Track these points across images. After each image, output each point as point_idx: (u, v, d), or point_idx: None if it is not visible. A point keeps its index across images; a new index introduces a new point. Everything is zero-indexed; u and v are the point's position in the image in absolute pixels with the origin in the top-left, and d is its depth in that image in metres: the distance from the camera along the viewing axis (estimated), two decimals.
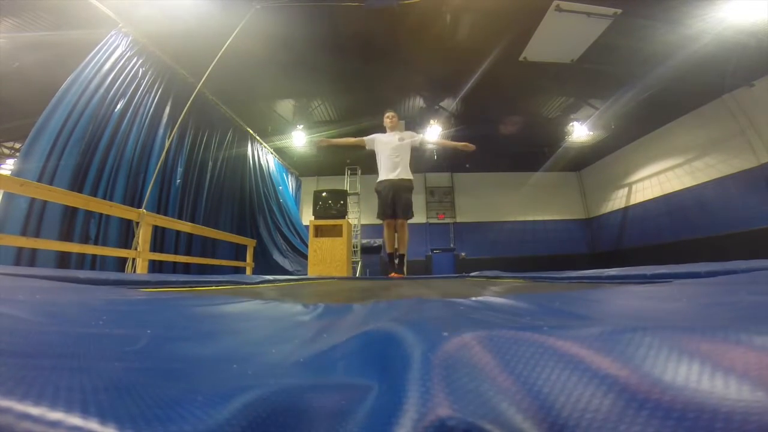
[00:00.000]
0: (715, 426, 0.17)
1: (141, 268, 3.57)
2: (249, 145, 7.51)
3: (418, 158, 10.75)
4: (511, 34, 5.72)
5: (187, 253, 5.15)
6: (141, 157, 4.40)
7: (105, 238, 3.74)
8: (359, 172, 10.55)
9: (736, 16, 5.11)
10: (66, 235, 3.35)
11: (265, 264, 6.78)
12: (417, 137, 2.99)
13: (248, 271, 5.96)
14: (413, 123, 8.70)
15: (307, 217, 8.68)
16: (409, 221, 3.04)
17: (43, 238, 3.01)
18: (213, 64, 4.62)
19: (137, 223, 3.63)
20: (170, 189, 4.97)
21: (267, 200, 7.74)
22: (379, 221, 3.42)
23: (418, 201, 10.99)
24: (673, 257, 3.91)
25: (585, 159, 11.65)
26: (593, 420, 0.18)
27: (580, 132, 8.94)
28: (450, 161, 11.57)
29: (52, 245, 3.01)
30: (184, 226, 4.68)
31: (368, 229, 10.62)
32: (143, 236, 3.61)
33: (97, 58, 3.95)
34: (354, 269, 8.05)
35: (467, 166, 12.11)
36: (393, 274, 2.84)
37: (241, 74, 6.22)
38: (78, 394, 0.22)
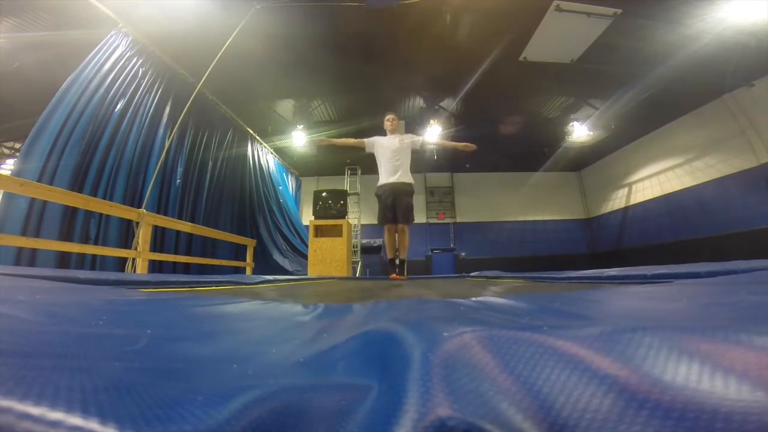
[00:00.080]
0: (714, 426, 0.17)
1: (141, 268, 3.57)
2: (249, 145, 7.51)
3: (418, 158, 10.75)
4: (511, 34, 5.72)
5: (187, 253, 5.15)
6: (141, 157, 4.40)
7: (105, 238, 3.74)
8: (359, 172, 10.55)
9: (736, 16, 5.11)
10: (66, 235, 3.35)
11: (265, 264, 6.78)
12: (417, 139, 2.96)
13: (248, 271, 5.97)
14: (413, 123, 8.70)
15: (307, 217, 8.68)
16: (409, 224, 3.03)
17: (43, 238, 3.01)
18: (213, 64, 4.62)
19: (137, 223, 3.63)
20: (170, 189, 4.97)
21: (267, 200, 7.74)
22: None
23: (418, 201, 10.98)
24: (673, 257, 3.91)
25: (585, 159, 11.65)
26: (593, 420, 0.18)
27: (580, 132, 8.94)
28: (450, 161, 11.57)
29: (52, 245, 3.01)
30: (184, 226, 4.68)
31: (368, 229, 10.62)
32: (143, 236, 3.61)
33: (97, 58, 3.95)
34: (354, 269, 8.05)
35: (467, 166, 12.11)
36: (394, 276, 2.83)
37: (241, 74, 6.22)
38: (78, 394, 0.22)
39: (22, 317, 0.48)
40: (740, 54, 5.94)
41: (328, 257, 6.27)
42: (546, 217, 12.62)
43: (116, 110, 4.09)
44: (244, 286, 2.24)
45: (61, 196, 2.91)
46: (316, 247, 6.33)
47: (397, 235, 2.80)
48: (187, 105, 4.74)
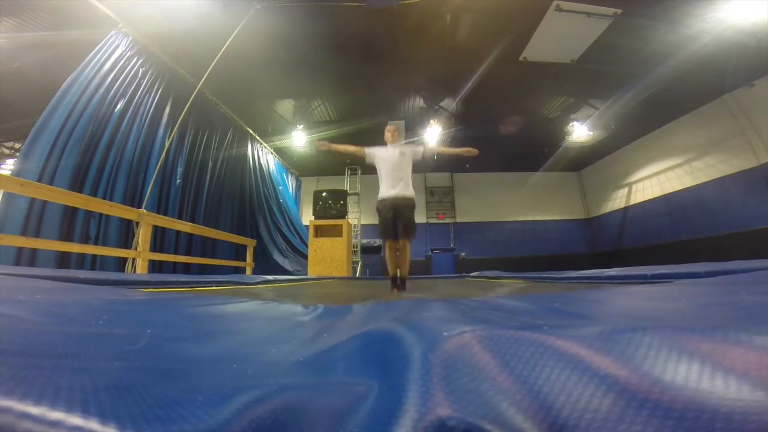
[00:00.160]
0: (715, 426, 0.17)
1: (141, 268, 3.57)
2: (249, 145, 7.51)
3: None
4: (511, 34, 5.71)
5: (187, 253, 5.15)
6: (141, 157, 4.40)
7: (105, 238, 3.74)
8: (359, 172, 10.54)
9: (736, 16, 5.10)
10: (66, 235, 3.34)
11: (265, 264, 6.78)
12: (418, 150, 2.90)
13: (248, 271, 5.96)
14: (413, 123, 8.69)
15: (307, 217, 8.68)
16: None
17: (43, 238, 3.01)
18: (213, 64, 4.62)
19: (137, 223, 3.63)
20: (170, 189, 4.97)
21: (267, 200, 7.73)
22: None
23: (419, 201, 10.97)
24: (672, 257, 3.91)
25: (585, 159, 11.64)
26: (593, 420, 0.18)
27: (580, 132, 8.93)
28: (450, 161, 11.57)
29: (52, 245, 3.01)
30: (184, 226, 4.68)
31: (368, 229, 10.61)
32: (143, 236, 3.61)
33: (97, 58, 3.95)
34: (354, 269, 8.05)
35: (467, 166, 12.10)
36: (396, 291, 2.81)
37: (241, 74, 6.21)
38: (79, 393, 0.22)
39: (23, 317, 0.48)
40: (740, 54, 5.94)
41: (328, 257, 6.27)
42: (546, 217, 12.61)
43: (116, 110, 4.09)
44: (243, 287, 2.24)
45: (61, 196, 2.91)
46: (316, 247, 6.33)
47: (398, 251, 2.74)
48: (187, 105, 4.74)
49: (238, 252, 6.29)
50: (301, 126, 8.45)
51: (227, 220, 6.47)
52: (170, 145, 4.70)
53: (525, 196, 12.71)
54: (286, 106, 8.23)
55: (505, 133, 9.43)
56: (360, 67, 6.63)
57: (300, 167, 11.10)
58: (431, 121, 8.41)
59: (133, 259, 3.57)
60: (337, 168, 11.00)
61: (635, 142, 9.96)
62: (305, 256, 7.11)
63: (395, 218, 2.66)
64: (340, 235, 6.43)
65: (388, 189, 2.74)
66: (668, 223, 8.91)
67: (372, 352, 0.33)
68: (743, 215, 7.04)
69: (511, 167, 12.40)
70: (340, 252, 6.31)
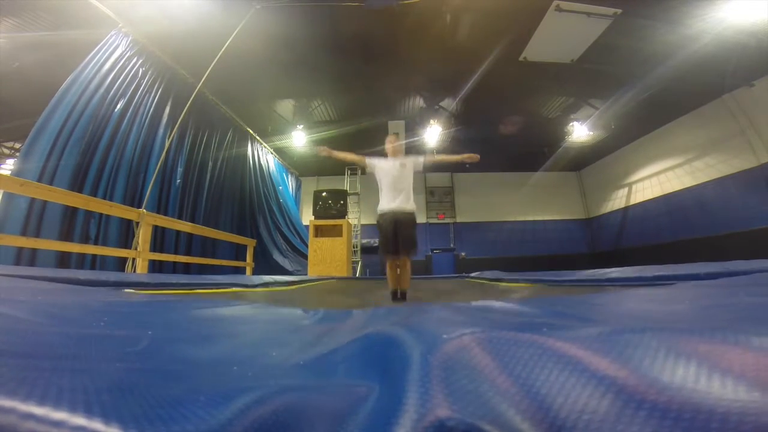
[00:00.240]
0: (711, 426, 0.17)
1: (141, 268, 3.57)
2: (249, 145, 7.51)
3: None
4: (511, 34, 5.71)
5: (187, 253, 5.15)
6: (141, 157, 4.40)
7: (105, 238, 3.74)
8: (359, 172, 10.55)
9: (736, 16, 5.10)
10: (66, 235, 3.34)
11: (265, 264, 6.78)
12: (419, 161, 2.84)
13: (248, 271, 5.96)
14: (413, 123, 8.70)
15: (307, 217, 8.68)
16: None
17: (43, 238, 3.01)
18: (213, 64, 4.62)
19: (137, 223, 3.63)
20: (170, 189, 4.97)
21: (267, 200, 7.74)
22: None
23: (419, 201, 10.98)
24: (672, 257, 3.91)
25: (585, 159, 11.64)
26: (591, 420, 0.18)
27: (580, 132, 8.93)
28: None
29: (52, 245, 3.01)
30: (184, 226, 4.68)
31: (368, 229, 10.62)
32: (143, 236, 3.61)
33: (97, 58, 3.95)
34: (354, 269, 8.05)
35: (467, 166, 12.10)
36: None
37: (241, 74, 6.21)
38: (81, 394, 0.22)
39: (24, 318, 0.48)
40: (740, 54, 5.93)
41: (328, 257, 6.27)
42: (546, 217, 12.61)
43: (116, 110, 4.09)
44: (243, 289, 2.24)
45: (61, 196, 2.91)
46: (316, 247, 6.33)
47: (398, 267, 2.69)
48: (187, 105, 4.74)
49: (238, 252, 6.29)
50: (301, 126, 8.45)
51: (227, 220, 6.47)
52: (170, 145, 4.70)
53: (525, 196, 12.71)
54: (286, 106, 8.23)
55: (505, 133, 9.43)
56: (360, 67, 6.63)
57: (300, 167, 11.10)
58: (431, 121, 8.41)
59: (133, 259, 3.57)
60: (337, 168, 11.00)
61: (635, 142, 9.96)
62: (305, 256, 7.11)
63: (395, 235, 2.60)
64: (340, 235, 6.44)
65: (388, 202, 2.67)
66: (668, 223, 8.92)
67: (372, 355, 0.33)
68: (743, 215, 7.04)
69: (511, 167, 12.40)
70: (340, 252, 6.31)
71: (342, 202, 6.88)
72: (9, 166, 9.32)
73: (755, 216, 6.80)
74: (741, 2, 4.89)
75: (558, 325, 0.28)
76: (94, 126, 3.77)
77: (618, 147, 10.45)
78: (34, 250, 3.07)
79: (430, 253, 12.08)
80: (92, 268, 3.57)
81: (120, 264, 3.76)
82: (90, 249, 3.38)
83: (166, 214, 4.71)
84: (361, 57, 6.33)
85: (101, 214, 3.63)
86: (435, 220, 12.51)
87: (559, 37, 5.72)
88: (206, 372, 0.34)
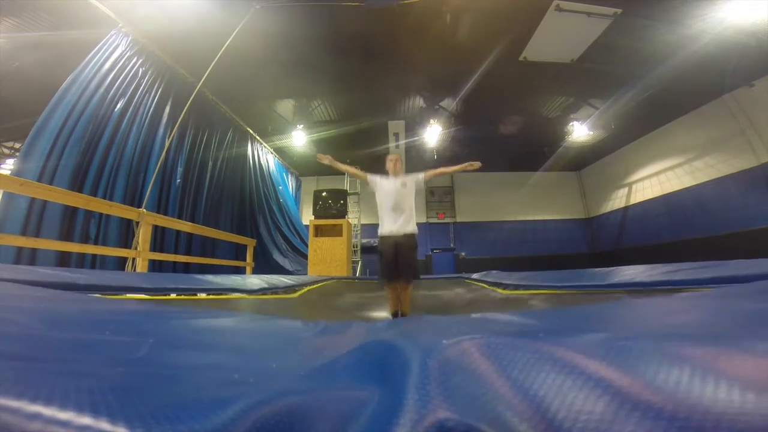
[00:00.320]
0: (705, 426, 0.17)
1: (141, 268, 3.57)
2: (249, 145, 7.51)
3: (418, 159, 10.76)
4: (511, 34, 5.71)
5: (187, 252, 5.15)
6: (141, 156, 4.40)
7: (105, 237, 3.75)
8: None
9: (736, 16, 5.10)
10: (66, 235, 3.35)
11: (265, 264, 6.78)
12: (419, 177, 2.77)
13: (248, 270, 5.97)
14: (413, 123, 8.70)
15: (307, 217, 8.68)
16: None
17: (43, 237, 3.02)
18: (213, 64, 4.62)
19: (137, 222, 3.63)
20: (170, 189, 4.97)
21: (267, 200, 7.74)
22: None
23: (419, 201, 10.98)
24: (672, 257, 3.91)
25: (585, 159, 11.64)
26: (588, 422, 0.18)
27: (580, 132, 8.93)
28: (450, 161, 11.55)
29: (52, 245, 3.01)
30: (184, 226, 4.69)
31: (368, 229, 10.62)
32: (143, 236, 3.61)
33: (97, 58, 3.95)
34: (354, 269, 8.06)
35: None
36: None
37: (241, 74, 6.21)
38: (87, 395, 0.22)
39: (26, 324, 0.48)
40: (740, 54, 5.93)
41: (328, 257, 6.27)
42: (546, 216, 12.62)
43: (116, 110, 4.09)
44: (243, 296, 2.24)
45: (61, 196, 2.91)
46: (316, 246, 6.34)
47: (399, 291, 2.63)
48: (187, 105, 4.74)
49: (238, 252, 6.29)
50: (301, 126, 8.45)
51: (227, 220, 6.48)
52: (170, 144, 4.71)
53: (525, 195, 12.72)
54: (286, 106, 8.23)
55: (505, 133, 9.43)
56: (360, 67, 6.63)
57: (300, 167, 11.10)
58: (431, 121, 8.41)
59: (133, 259, 3.57)
60: (333, 167, 10.99)
61: (635, 142, 9.95)
62: (305, 256, 7.12)
63: (396, 260, 2.51)
64: (340, 234, 6.44)
65: (390, 224, 2.58)
66: (668, 222, 8.92)
67: (373, 362, 0.33)
68: (743, 215, 7.04)
69: (511, 167, 12.39)
70: (340, 252, 6.31)
71: (342, 201, 6.88)
72: (9, 165, 9.32)
73: (755, 216, 6.80)
74: (741, 2, 4.89)
75: (555, 332, 0.29)
76: (94, 126, 3.78)
77: (618, 147, 10.45)
78: (34, 250, 3.08)
79: (430, 252, 12.09)
80: (92, 267, 3.58)
81: (120, 264, 3.76)
82: (90, 249, 3.38)
83: (166, 213, 4.72)
84: (361, 57, 6.33)
85: (101, 214, 3.63)
86: (435, 220, 12.52)
87: (559, 37, 5.71)
88: (208, 377, 0.34)
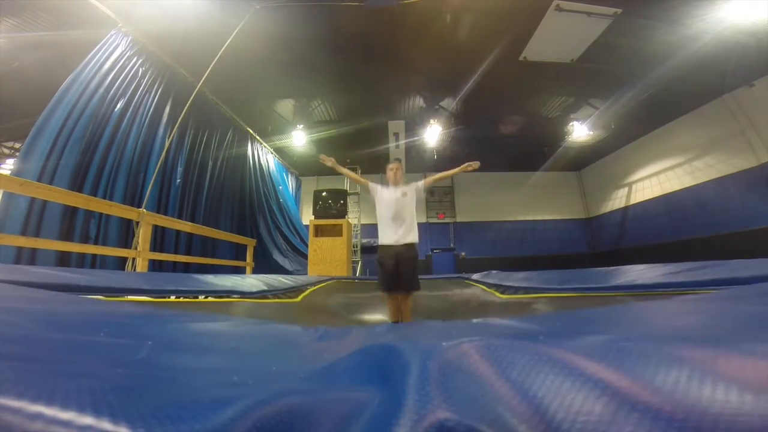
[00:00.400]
0: (703, 427, 0.17)
1: (141, 268, 3.57)
2: (249, 145, 7.51)
3: (419, 158, 10.76)
4: (511, 34, 5.71)
5: (187, 252, 5.15)
6: (141, 156, 4.40)
7: (105, 237, 3.75)
8: (359, 171, 10.53)
9: (736, 16, 5.10)
10: (66, 235, 3.35)
11: (265, 264, 6.78)
12: (419, 185, 2.75)
13: (248, 270, 5.97)
14: (413, 123, 8.70)
15: (307, 217, 8.68)
16: None
17: (43, 237, 3.02)
18: (213, 64, 4.62)
19: (137, 222, 3.63)
20: (170, 189, 4.97)
21: (267, 200, 7.74)
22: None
23: (419, 201, 10.97)
24: (672, 257, 3.91)
25: (585, 159, 11.65)
26: (586, 422, 0.18)
27: (580, 132, 8.94)
28: (450, 160, 11.56)
29: (52, 245, 3.01)
30: (184, 226, 4.69)
31: (368, 229, 10.62)
32: (143, 236, 3.61)
33: (96, 57, 3.95)
34: (354, 269, 8.06)
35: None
36: None
37: (241, 74, 6.21)
38: (88, 395, 0.22)
39: (24, 325, 0.48)
40: (740, 54, 5.94)
41: (328, 257, 6.27)
42: (546, 216, 12.62)
43: (116, 110, 4.09)
44: (242, 299, 2.24)
45: (61, 196, 2.91)
46: (316, 246, 6.33)
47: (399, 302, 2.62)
48: (187, 105, 4.74)
49: (238, 251, 6.29)
50: (301, 126, 8.45)
51: (227, 220, 6.48)
52: (170, 144, 4.71)
53: (525, 195, 12.72)
54: (286, 106, 8.23)
55: (505, 133, 9.43)
56: (360, 67, 6.63)
57: (300, 167, 11.10)
58: (431, 121, 8.41)
59: (133, 259, 3.57)
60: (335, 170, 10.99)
61: (635, 141, 9.96)
62: (305, 256, 7.12)
63: (396, 271, 2.49)
64: (340, 234, 6.44)
65: (390, 234, 2.55)
66: (668, 222, 8.93)
67: (373, 364, 0.33)
68: (743, 215, 7.05)
69: (511, 167, 12.40)
70: (340, 252, 6.31)
71: (342, 201, 6.88)
72: (9, 165, 9.32)
73: (755, 216, 6.81)
74: (741, 2, 4.89)
75: (555, 335, 0.29)
76: (94, 126, 3.78)
77: (618, 147, 10.46)
78: (33, 250, 3.08)
79: (430, 252, 12.09)
80: (92, 267, 3.58)
81: (120, 264, 3.76)
82: (90, 249, 3.38)
83: (166, 213, 4.72)
84: (361, 57, 6.33)
85: (101, 214, 3.63)
86: (435, 220, 12.52)
87: (559, 37, 5.72)
88: (208, 380, 0.34)
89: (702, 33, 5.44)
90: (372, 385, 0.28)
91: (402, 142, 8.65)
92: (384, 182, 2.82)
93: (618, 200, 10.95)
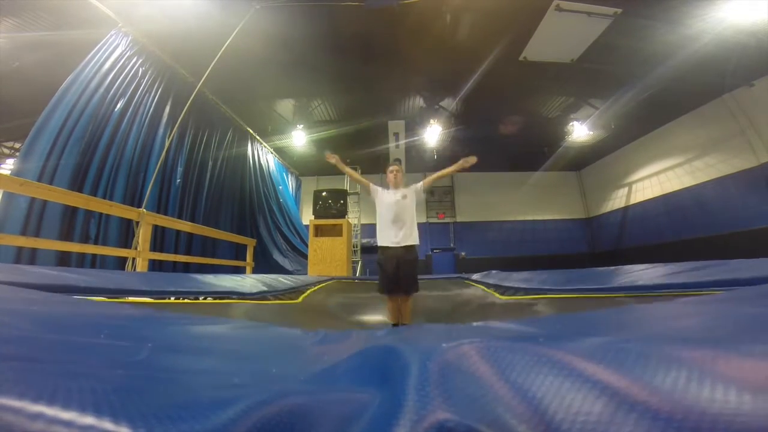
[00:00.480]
0: (702, 427, 0.17)
1: (141, 268, 3.58)
2: (249, 145, 7.51)
3: (419, 158, 10.76)
4: (511, 34, 5.71)
5: (187, 252, 5.15)
6: (141, 156, 4.40)
7: (105, 237, 3.75)
8: (359, 171, 10.53)
9: (736, 16, 5.10)
10: (66, 235, 3.35)
11: (265, 264, 6.78)
12: (418, 187, 2.75)
13: (248, 270, 5.97)
14: (413, 123, 8.70)
15: (307, 217, 8.68)
16: None
17: (43, 237, 3.02)
18: (213, 64, 4.62)
19: (137, 222, 3.63)
20: (170, 188, 4.97)
21: (267, 200, 7.74)
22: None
23: (419, 202, 10.97)
24: (672, 257, 3.91)
25: (585, 159, 11.65)
26: (585, 423, 0.18)
27: (580, 132, 8.94)
28: (450, 160, 11.56)
29: (52, 245, 3.01)
30: (184, 226, 4.69)
31: (368, 229, 10.62)
32: (143, 236, 3.61)
33: (96, 57, 3.95)
34: (354, 269, 8.06)
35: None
36: None
37: (241, 74, 6.21)
38: (89, 395, 0.22)
39: (24, 327, 0.48)
40: (740, 54, 5.94)
41: (328, 257, 6.27)
42: (546, 216, 12.62)
43: (116, 110, 4.09)
44: (241, 300, 2.24)
45: (61, 196, 2.91)
46: (316, 246, 6.33)
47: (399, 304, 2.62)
48: (187, 105, 4.74)
49: (238, 251, 6.29)
50: (301, 126, 8.45)
51: (227, 220, 6.47)
52: (170, 144, 4.71)
53: (525, 195, 12.72)
54: (286, 106, 8.23)
55: (505, 133, 9.43)
56: (360, 67, 6.63)
57: (300, 167, 11.10)
58: (431, 121, 8.41)
59: (133, 259, 3.57)
60: (337, 168, 11.00)
61: (635, 141, 9.96)
62: (305, 256, 7.12)
63: (397, 273, 2.49)
64: (340, 234, 6.44)
65: (391, 237, 2.54)
66: (668, 222, 8.93)
67: (373, 365, 0.33)
68: (743, 215, 7.05)
69: (511, 167, 12.40)
70: (340, 252, 6.31)
71: (342, 201, 6.88)
72: (9, 165, 9.32)
73: (755, 215, 6.81)
74: (741, 2, 4.89)
75: (555, 337, 0.29)
76: (94, 125, 3.78)
77: (618, 147, 10.46)
78: (33, 250, 3.08)
79: (430, 252, 12.09)
80: (92, 267, 3.58)
81: (120, 264, 3.76)
82: (90, 249, 3.38)
83: (166, 213, 4.72)
84: (361, 57, 6.33)
85: (101, 214, 3.63)
86: (435, 220, 12.52)
87: (559, 37, 5.72)
88: (208, 381, 0.34)
89: (702, 33, 5.44)
90: (372, 386, 0.28)
91: (402, 142, 8.65)
92: (384, 183, 2.83)
93: (618, 200, 10.96)
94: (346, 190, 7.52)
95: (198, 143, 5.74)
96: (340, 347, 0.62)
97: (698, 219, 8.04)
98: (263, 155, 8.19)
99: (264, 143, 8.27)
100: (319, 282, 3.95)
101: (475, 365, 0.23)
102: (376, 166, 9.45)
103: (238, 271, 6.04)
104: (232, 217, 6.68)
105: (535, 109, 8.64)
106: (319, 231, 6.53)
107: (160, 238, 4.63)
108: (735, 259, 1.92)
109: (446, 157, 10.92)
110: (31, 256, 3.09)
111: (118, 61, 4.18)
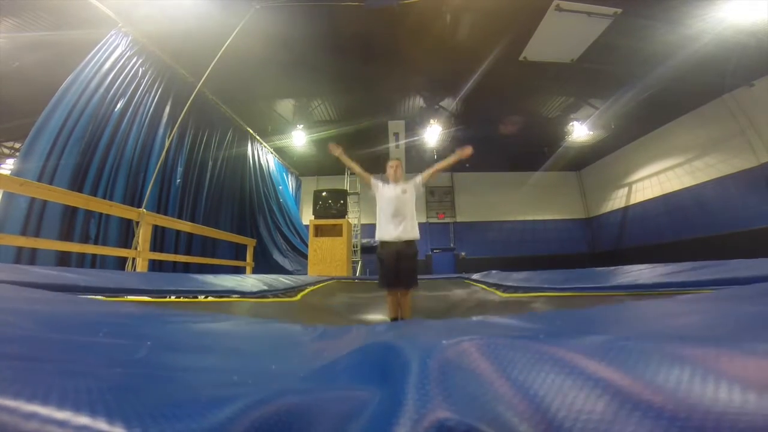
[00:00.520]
0: (706, 426, 0.17)
1: (141, 268, 3.57)
2: (249, 145, 7.51)
3: (419, 158, 10.76)
4: (511, 34, 5.71)
5: (187, 252, 5.15)
6: (141, 156, 4.40)
7: (105, 237, 3.74)
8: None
9: (736, 16, 5.10)
10: (66, 235, 3.35)
11: (265, 264, 6.78)
12: (417, 181, 2.75)
13: (248, 270, 5.96)
14: (413, 123, 8.70)
15: (307, 217, 8.68)
16: None
17: (43, 237, 3.02)
18: (213, 64, 4.62)
19: (137, 222, 3.63)
20: (170, 188, 4.97)
21: (267, 200, 7.74)
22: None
23: (419, 202, 10.98)
24: (672, 257, 3.91)
25: (585, 159, 11.65)
26: (588, 421, 0.18)
27: (580, 132, 8.94)
28: None
29: (52, 245, 3.01)
30: (184, 226, 4.68)
31: (368, 229, 10.62)
32: (143, 236, 3.61)
33: (96, 57, 3.95)
34: (354, 269, 8.06)
35: (467, 165, 12.11)
36: None
37: (241, 74, 6.21)
38: (85, 394, 0.22)
39: (23, 326, 0.48)
40: (740, 54, 5.94)
41: (328, 257, 6.27)
42: (546, 216, 12.62)
43: (116, 110, 4.09)
44: (241, 299, 2.24)
45: (61, 196, 2.91)
46: (316, 246, 6.33)
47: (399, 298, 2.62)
48: (187, 105, 4.74)
49: (238, 251, 6.29)
50: (301, 126, 8.45)
51: (227, 220, 6.47)
52: (170, 144, 4.70)
53: (525, 195, 12.72)
54: (286, 106, 8.23)
55: (505, 133, 9.43)
56: (360, 67, 6.63)
57: (300, 167, 11.10)
58: (431, 121, 8.41)
59: (133, 259, 3.57)
60: (337, 168, 11.00)
61: (635, 141, 9.96)
62: (305, 256, 7.12)
63: (397, 268, 2.49)
64: (340, 234, 6.44)
65: (391, 231, 2.54)
66: (668, 222, 8.92)
67: (373, 363, 0.33)
68: (743, 215, 7.05)
69: (511, 167, 12.41)
70: (340, 252, 6.31)
71: (342, 201, 6.88)
72: (9, 165, 9.32)
73: (755, 215, 6.81)
74: (741, 2, 4.89)
75: (555, 334, 0.29)
76: (94, 126, 3.77)
77: (618, 147, 10.46)
78: (33, 250, 3.07)
79: (430, 252, 12.09)
80: (92, 267, 3.57)
81: (120, 264, 3.76)
82: (90, 249, 3.38)
83: (166, 213, 4.72)
84: (361, 57, 6.33)
85: (101, 214, 3.63)
86: (435, 220, 12.52)
87: (559, 37, 5.72)
88: (207, 379, 0.34)
89: (702, 33, 5.44)
90: (372, 384, 0.27)
91: (402, 142, 8.65)
92: (384, 180, 2.83)
93: (618, 200, 10.95)
94: (346, 190, 7.52)
95: (198, 143, 5.74)
96: (340, 343, 0.62)
97: (698, 219, 8.04)
98: (263, 155, 8.19)
99: (264, 143, 8.27)
100: (319, 282, 3.95)
101: (475, 363, 0.23)
102: (376, 166, 9.43)
103: (238, 271, 6.04)
104: (232, 217, 6.68)
105: (535, 109, 8.64)
106: (319, 231, 6.53)
107: (160, 238, 4.63)
108: (735, 259, 1.92)
109: (446, 157, 10.90)
110: (31, 256, 3.09)
111: (118, 61, 4.19)
